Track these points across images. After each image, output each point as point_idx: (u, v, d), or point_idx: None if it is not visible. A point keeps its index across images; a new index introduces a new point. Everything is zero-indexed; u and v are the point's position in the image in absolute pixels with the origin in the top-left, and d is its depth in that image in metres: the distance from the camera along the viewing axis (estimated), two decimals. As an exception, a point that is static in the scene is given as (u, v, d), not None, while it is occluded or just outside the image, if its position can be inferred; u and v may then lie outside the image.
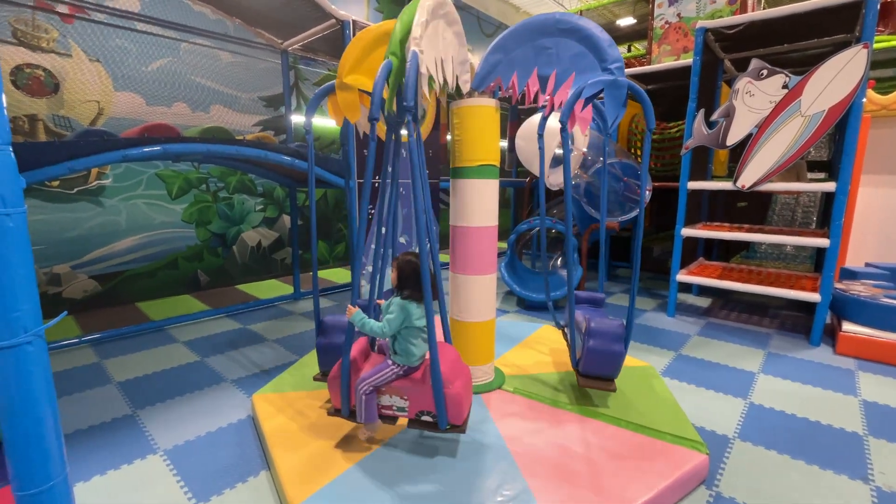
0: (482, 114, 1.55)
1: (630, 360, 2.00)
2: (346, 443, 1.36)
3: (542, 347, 2.15)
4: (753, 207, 4.61)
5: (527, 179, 4.23)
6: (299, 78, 3.88)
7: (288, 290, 3.46)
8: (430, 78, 1.29)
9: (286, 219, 3.97)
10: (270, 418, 1.50)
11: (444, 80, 1.41)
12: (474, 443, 1.37)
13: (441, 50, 1.33)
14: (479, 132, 1.56)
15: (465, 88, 1.53)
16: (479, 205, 1.60)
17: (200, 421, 1.61)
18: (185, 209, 3.33)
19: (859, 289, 2.46)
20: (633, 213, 3.05)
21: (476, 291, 1.65)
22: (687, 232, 2.77)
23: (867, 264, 3.04)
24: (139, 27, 2.95)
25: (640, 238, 1.53)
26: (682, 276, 2.83)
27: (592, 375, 1.59)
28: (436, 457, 1.30)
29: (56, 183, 2.74)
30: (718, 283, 2.69)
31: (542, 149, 1.63)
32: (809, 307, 3.09)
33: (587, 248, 3.47)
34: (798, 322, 2.82)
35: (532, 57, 1.49)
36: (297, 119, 3.79)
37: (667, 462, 1.28)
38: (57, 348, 2.26)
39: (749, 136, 2.46)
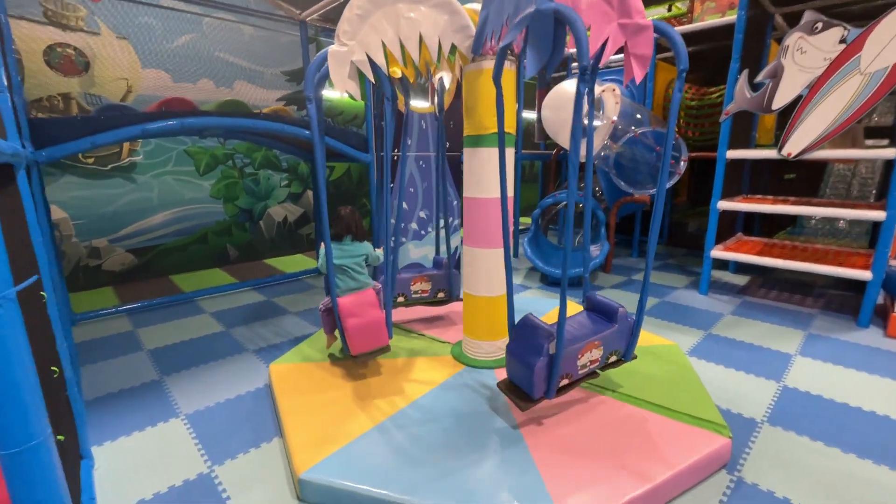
0: (489, 77, 1.45)
1: (654, 339, 1.92)
2: (355, 414, 1.37)
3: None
4: (803, 179, 4.28)
5: (553, 152, 4.07)
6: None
7: (312, 264, 3.52)
8: (405, 55, 1.38)
9: (311, 194, 4.00)
10: (284, 388, 1.53)
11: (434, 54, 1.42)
12: (483, 419, 1.35)
13: (404, 29, 1.35)
14: (490, 97, 1.47)
15: (468, 54, 1.46)
16: (492, 174, 1.54)
17: (221, 388, 1.67)
18: (213, 185, 3.41)
19: (918, 266, 2.24)
20: (668, 185, 2.87)
21: (489, 265, 1.60)
22: (724, 205, 2.60)
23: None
24: (163, 3, 2.98)
25: (657, 233, 1.30)
26: (717, 252, 2.66)
27: (513, 382, 1.35)
28: (443, 432, 1.29)
29: (91, 160, 2.85)
30: (757, 260, 2.52)
31: (591, 101, 1.32)
32: (860, 286, 2.86)
33: (615, 223, 3.32)
34: (846, 302, 2.62)
35: (502, 4, 1.28)
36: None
37: (684, 444, 1.21)
38: (96, 317, 2.39)
39: (798, 98, 2.24)
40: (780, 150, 2.35)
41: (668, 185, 2.89)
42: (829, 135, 2.22)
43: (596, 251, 3.16)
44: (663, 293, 2.80)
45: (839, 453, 1.30)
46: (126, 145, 2.96)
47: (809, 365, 1.83)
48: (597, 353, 1.34)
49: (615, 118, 2.86)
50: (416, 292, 2.03)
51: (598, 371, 1.38)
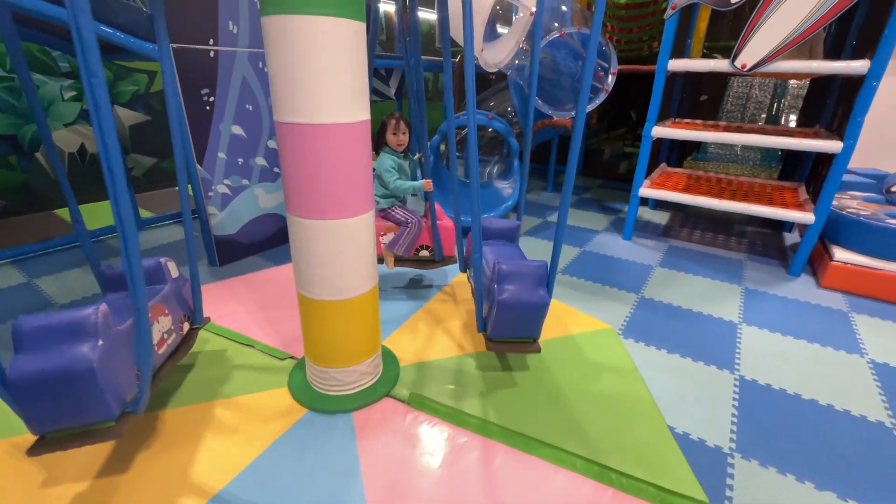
0: None
1: (584, 319, 1.44)
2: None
3: (466, 306, 1.51)
4: (712, 101, 4.05)
5: (457, 60, 3.26)
6: None
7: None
8: None
9: (121, 112, 2.82)
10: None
11: None
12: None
13: None
14: None
15: None
16: (322, 77, 0.78)
17: None
18: (-75, 95, 2.12)
19: (854, 206, 2.00)
20: (593, 106, 2.31)
21: (335, 248, 0.91)
22: (659, 131, 2.11)
23: (848, 171, 2.61)
24: None
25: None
26: (646, 191, 2.23)
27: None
28: None
29: None
30: (693, 200, 2.12)
31: None
32: (777, 223, 2.69)
33: (531, 153, 2.74)
34: (767, 242, 2.40)
35: None
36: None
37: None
38: None
39: (766, -13, 1.71)
40: (733, 60, 1.85)
41: (594, 105, 2.33)
42: (790, 43, 1.75)
43: (508, 189, 2.59)
44: (583, 239, 2.36)
45: (835, 499, 0.93)
46: None
47: (759, 339, 1.49)
48: (167, 323, 1.04)
49: (535, 9, 2.13)
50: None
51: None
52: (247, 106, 1.87)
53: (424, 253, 1.60)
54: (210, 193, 1.84)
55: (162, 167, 3.05)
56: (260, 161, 2.00)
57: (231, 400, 1.05)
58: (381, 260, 1.58)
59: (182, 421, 1.00)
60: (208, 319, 1.21)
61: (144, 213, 2.53)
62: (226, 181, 1.88)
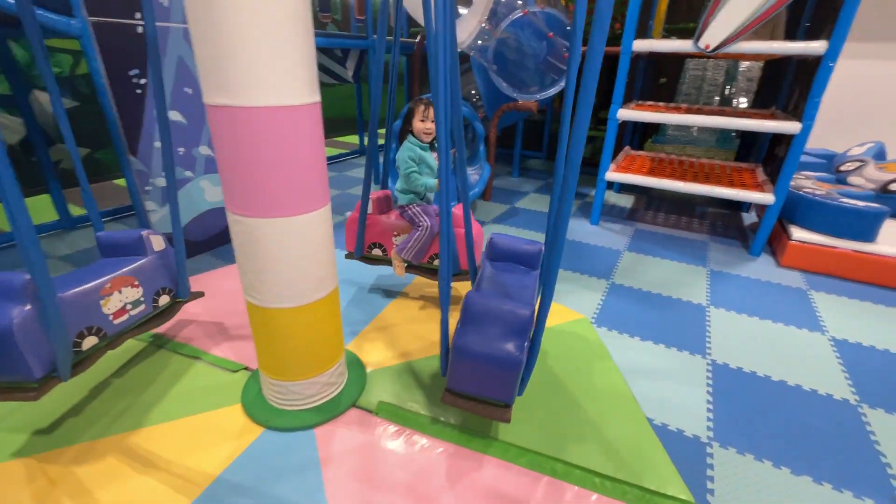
0: None
1: (557, 310, 1.39)
2: None
3: (435, 300, 1.44)
4: (671, 83, 4.09)
5: (416, 40, 3.12)
6: None
7: (73, 210, 2.23)
8: None
9: (43, 97, 2.52)
10: None
11: None
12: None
13: None
14: None
15: None
16: (257, 48, 0.67)
17: None
18: None
19: (809, 185, 2.05)
20: (558, 88, 2.25)
21: (281, 250, 0.80)
22: (625, 114, 2.08)
23: (799, 151, 2.69)
24: None
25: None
26: (613, 175, 2.21)
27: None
28: None
29: None
30: (664, 185, 2.11)
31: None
32: (735, 203, 2.75)
33: (496, 137, 2.67)
34: (728, 223, 2.45)
35: None
36: None
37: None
38: None
39: (728, -35, 1.68)
40: (696, 41, 1.83)
41: (560, 87, 2.27)
42: (752, 23, 1.75)
43: (475, 175, 2.51)
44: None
45: (810, 483, 0.93)
46: None
47: (727, 321, 1.50)
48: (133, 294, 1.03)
49: (497, -14, 2.04)
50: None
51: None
52: (185, 89, 1.69)
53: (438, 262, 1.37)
54: (148, 188, 1.66)
55: (96, 158, 2.77)
56: (204, 150, 1.82)
57: (176, 422, 0.94)
58: (390, 262, 1.43)
59: (121, 449, 0.88)
60: (199, 294, 1.21)
61: (76, 211, 2.28)
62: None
